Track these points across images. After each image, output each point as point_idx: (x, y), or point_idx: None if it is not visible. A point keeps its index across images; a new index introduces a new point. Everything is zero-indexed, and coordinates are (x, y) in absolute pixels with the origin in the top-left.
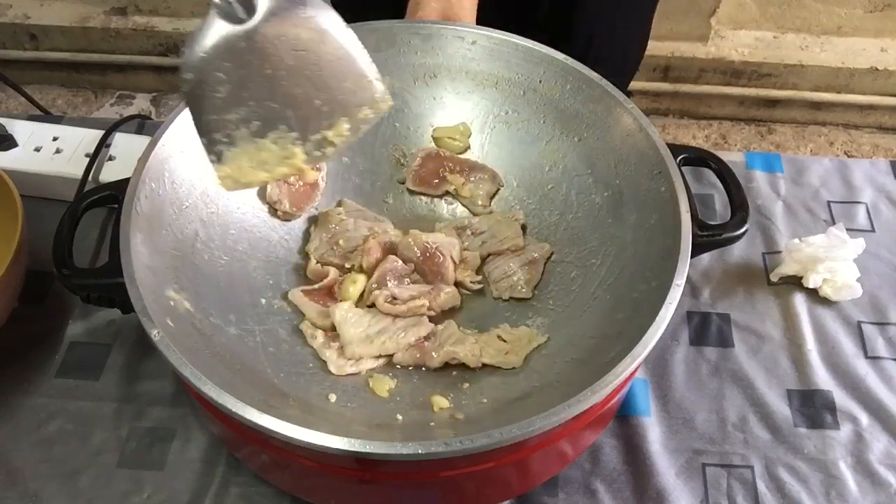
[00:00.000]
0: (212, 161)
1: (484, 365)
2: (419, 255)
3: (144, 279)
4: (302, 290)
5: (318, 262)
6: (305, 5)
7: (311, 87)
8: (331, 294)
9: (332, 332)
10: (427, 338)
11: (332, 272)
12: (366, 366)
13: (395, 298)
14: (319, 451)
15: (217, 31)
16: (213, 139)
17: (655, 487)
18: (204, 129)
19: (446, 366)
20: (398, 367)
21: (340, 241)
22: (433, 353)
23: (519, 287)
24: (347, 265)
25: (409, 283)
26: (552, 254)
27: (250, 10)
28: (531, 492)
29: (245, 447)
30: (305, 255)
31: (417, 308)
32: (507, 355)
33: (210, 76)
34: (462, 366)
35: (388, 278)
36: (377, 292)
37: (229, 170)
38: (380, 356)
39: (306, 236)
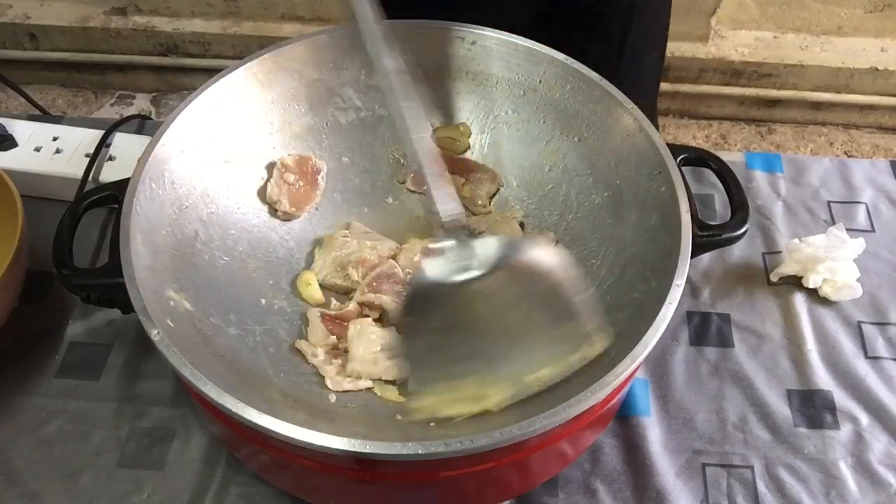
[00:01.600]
0: (412, 391)
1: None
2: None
3: (144, 279)
4: (321, 312)
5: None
6: (528, 254)
7: (517, 336)
8: (344, 326)
9: (333, 350)
10: None
11: (353, 306)
12: (363, 385)
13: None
14: (319, 451)
15: (436, 282)
16: (420, 372)
17: (655, 487)
18: (414, 362)
19: None
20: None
21: (349, 268)
22: None
23: None
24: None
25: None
26: (557, 241)
27: (477, 260)
28: (531, 492)
29: (245, 447)
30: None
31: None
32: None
33: (428, 325)
34: None
35: (382, 284)
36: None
37: (426, 403)
38: (380, 379)
39: (309, 258)
